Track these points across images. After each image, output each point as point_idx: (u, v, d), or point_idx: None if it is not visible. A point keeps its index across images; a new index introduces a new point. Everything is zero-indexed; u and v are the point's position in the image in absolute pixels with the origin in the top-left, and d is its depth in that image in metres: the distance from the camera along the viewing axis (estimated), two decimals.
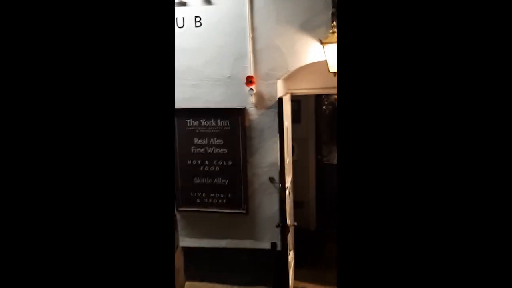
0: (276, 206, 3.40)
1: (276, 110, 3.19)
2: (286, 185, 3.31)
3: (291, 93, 3.72)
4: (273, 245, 3.42)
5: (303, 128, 4.69)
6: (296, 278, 3.75)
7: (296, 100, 4.61)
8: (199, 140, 3.40)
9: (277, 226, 3.27)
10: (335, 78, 3.36)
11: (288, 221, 3.24)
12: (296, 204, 4.40)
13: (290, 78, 3.55)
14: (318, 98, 4.71)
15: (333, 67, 3.16)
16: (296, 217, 4.01)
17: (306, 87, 3.69)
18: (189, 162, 3.44)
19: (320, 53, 3.12)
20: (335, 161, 4.91)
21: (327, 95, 4.83)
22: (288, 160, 3.62)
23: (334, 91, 3.66)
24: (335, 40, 2.98)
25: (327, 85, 3.60)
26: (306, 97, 4.61)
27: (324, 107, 4.96)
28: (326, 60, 3.06)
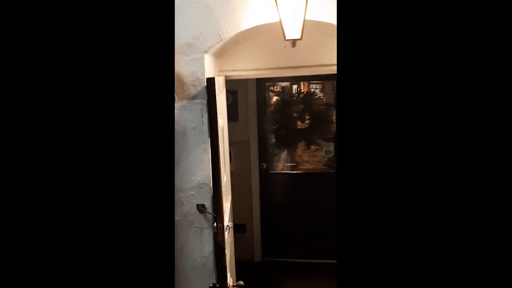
0: (208, 248, 2.20)
1: (204, 101, 2.02)
2: (225, 219, 2.11)
3: (227, 77, 2.54)
4: None
5: (242, 127, 3.60)
6: None
7: (231, 91, 3.51)
8: None
9: None
10: (292, 51, 2.29)
11: (229, 281, 2.03)
12: (236, 228, 3.37)
13: (224, 52, 2.37)
14: (261, 85, 3.60)
15: (291, 31, 2.02)
16: (236, 245, 3.00)
17: (247, 67, 2.53)
18: None
19: (271, 11, 1.98)
20: (285, 170, 3.92)
21: (274, 82, 3.74)
22: (225, 177, 2.42)
23: (290, 71, 2.55)
24: None
25: (279, 63, 2.49)
26: (243, 84, 3.52)
27: (270, 97, 3.84)
28: (280, 22, 1.93)
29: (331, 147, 3.68)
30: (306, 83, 3.71)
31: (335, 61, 2.33)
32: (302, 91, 3.79)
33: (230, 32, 2.07)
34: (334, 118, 3.55)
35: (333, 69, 2.49)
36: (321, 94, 3.77)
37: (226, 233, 2.11)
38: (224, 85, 2.50)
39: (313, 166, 3.80)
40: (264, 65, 2.53)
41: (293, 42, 2.06)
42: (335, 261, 3.47)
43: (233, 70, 2.51)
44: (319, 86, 3.70)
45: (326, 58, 2.45)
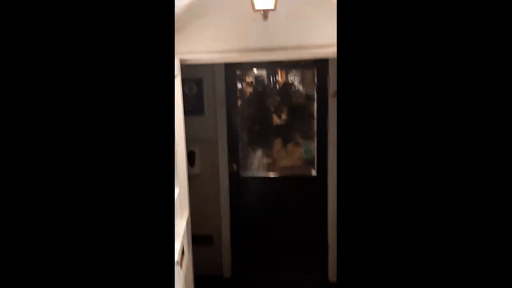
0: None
1: None
2: (176, 247, 1.58)
3: (182, 60, 2.01)
4: None
5: (208, 122, 3.09)
6: None
7: (195, 80, 3.00)
8: None
9: None
10: (266, 29, 1.82)
11: None
12: (201, 239, 3.02)
13: (178, 28, 1.84)
14: (231, 73, 3.09)
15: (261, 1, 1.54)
16: (201, 258, 2.69)
17: (209, 49, 2.01)
18: None
19: None
20: (259, 173, 3.49)
21: (247, 69, 3.26)
22: (179, 189, 1.91)
23: (262, 55, 2.06)
24: None
25: (249, 43, 1.99)
26: (210, 72, 3.00)
27: (242, 87, 3.34)
28: None
29: (312, 146, 3.25)
30: (283, 71, 3.26)
31: (322, 41, 1.91)
32: (279, 81, 3.36)
33: None
34: (315, 112, 3.13)
35: (318, 53, 2.02)
36: (300, 86, 3.37)
37: (177, 269, 1.58)
38: (180, 70, 1.96)
39: (292, 168, 3.39)
40: (230, 47, 2.01)
41: (265, 13, 1.56)
42: (317, 278, 3.27)
43: (190, 53, 1.98)
44: (298, 75, 3.27)
45: (310, 38, 1.97)
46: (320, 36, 1.94)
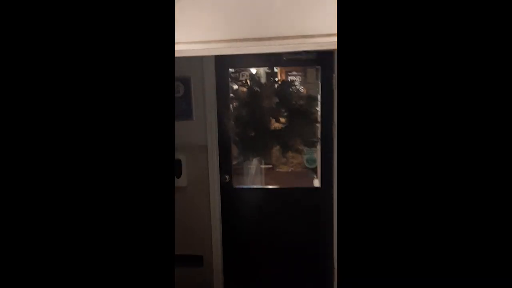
0: None
1: None
2: None
3: None
4: None
5: (197, 128, 2.81)
6: None
7: (182, 79, 2.72)
8: None
9: None
10: (261, 14, 1.50)
11: None
12: (189, 260, 2.83)
13: None
14: (222, 71, 2.78)
15: None
16: (189, 282, 2.61)
17: (192, 38, 1.67)
18: None
19: None
20: (255, 184, 3.26)
21: (240, 67, 2.97)
22: None
23: (256, 46, 1.73)
24: None
25: (240, 32, 1.65)
26: (198, 70, 2.70)
27: (234, 87, 3.03)
28: None
29: (315, 153, 2.94)
30: (282, 68, 2.96)
31: (329, 29, 1.55)
32: (277, 80, 3.08)
33: None
34: (318, 116, 2.82)
35: (324, 43, 1.65)
36: (301, 85, 3.14)
37: None
38: None
39: (292, 179, 3.19)
40: (216, 36, 1.66)
41: None
42: None
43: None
44: (300, 73, 2.98)
45: (314, 25, 1.62)
46: (327, 22, 1.58)
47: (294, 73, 3.08)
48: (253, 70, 3.08)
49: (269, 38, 1.65)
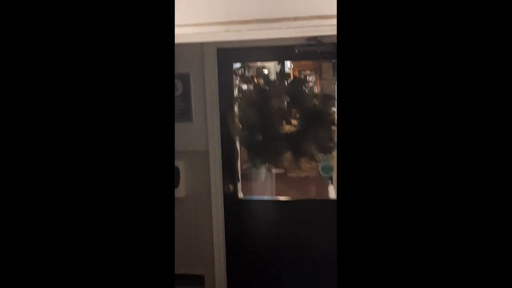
0: None
1: None
2: None
3: None
4: None
5: (197, 131, 2.68)
6: None
7: (180, 75, 2.59)
8: None
9: None
10: None
11: None
12: (189, 280, 2.73)
13: None
14: (225, 66, 2.63)
15: None
16: None
17: (185, 21, 1.43)
18: None
19: None
20: (263, 195, 3.13)
21: (245, 61, 2.86)
22: None
23: (259, 30, 1.51)
24: None
25: (242, 13, 1.44)
26: (199, 66, 2.54)
27: (239, 84, 2.89)
28: None
29: (332, 161, 2.77)
30: (294, 62, 2.78)
31: None
32: (288, 75, 2.98)
33: None
34: (335, 117, 2.66)
35: None
36: (316, 82, 3.01)
37: None
38: None
39: (306, 189, 3.06)
40: (213, 18, 1.40)
41: None
42: None
43: None
44: (314, 67, 2.78)
45: (333, 4, 1.33)
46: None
47: (307, 67, 2.87)
48: (260, 64, 3.00)
49: (277, 20, 1.37)
